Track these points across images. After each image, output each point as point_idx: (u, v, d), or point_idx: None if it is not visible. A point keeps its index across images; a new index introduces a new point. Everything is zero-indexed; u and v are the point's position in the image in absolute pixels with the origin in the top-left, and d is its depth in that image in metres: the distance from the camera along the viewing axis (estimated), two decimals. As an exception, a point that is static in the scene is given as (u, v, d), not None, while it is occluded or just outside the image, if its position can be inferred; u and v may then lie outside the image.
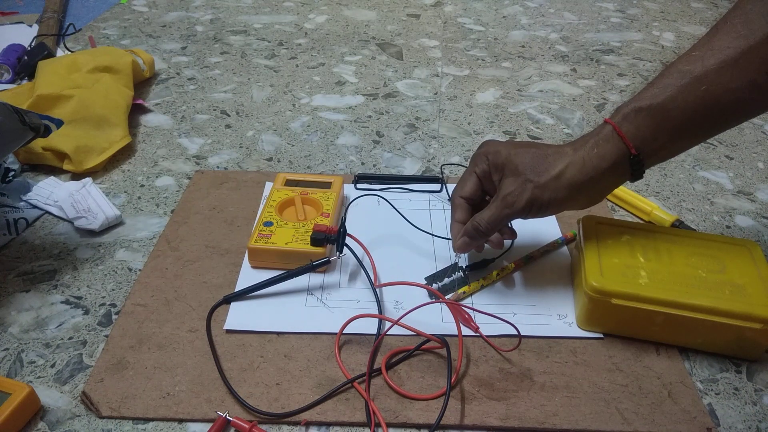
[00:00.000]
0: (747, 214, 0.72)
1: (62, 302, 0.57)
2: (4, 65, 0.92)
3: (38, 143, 0.71)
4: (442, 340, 0.50)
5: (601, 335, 0.54)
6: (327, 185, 0.67)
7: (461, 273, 0.58)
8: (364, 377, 0.49)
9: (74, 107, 0.77)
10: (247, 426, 0.45)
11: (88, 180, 0.70)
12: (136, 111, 0.87)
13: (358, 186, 0.73)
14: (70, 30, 1.12)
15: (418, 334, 0.52)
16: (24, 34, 1.07)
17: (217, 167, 0.77)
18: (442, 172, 0.75)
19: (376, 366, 0.50)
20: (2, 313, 0.55)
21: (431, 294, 0.57)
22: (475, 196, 0.56)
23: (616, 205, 0.72)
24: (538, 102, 0.95)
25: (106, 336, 0.53)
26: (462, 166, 0.78)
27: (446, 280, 0.58)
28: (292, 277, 0.57)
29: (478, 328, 0.54)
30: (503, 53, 1.11)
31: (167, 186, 0.73)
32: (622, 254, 0.54)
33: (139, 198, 0.71)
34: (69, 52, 1.01)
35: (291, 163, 0.78)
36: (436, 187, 0.73)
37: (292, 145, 0.82)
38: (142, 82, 0.95)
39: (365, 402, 0.47)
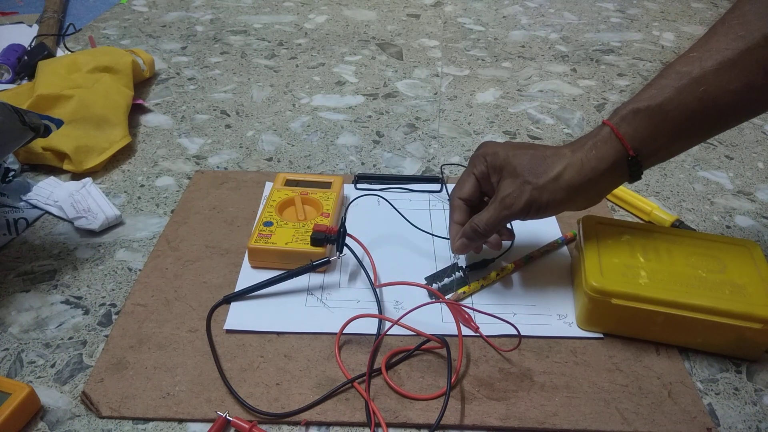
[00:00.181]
0: (747, 214, 0.72)
1: (62, 302, 0.57)
2: (4, 65, 0.92)
3: (38, 143, 0.71)
4: (442, 340, 0.50)
5: (601, 335, 0.54)
6: (327, 185, 0.67)
7: (461, 273, 0.58)
8: (364, 377, 0.49)
9: (74, 107, 0.77)
10: (247, 426, 0.45)
11: (88, 180, 0.70)
12: (136, 111, 0.87)
13: (358, 186, 0.73)
14: (70, 30, 1.12)
15: (418, 334, 0.52)
16: (24, 34, 1.07)
17: (217, 167, 0.77)
18: (442, 172, 0.75)
19: (376, 366, 0.50)
20: (2, 313, 0.55)
21: (431, 294, 0.57)
22: (474, 197, 0.56)
23: (616, 205, 0.72)
24: (538, 102, 0.95)
25: (106, 336, 0.53)
26: (462, 166, 0.78)
27: (446, 280, 0.58)
28: (292, 277, 0.57)
29: (478, 328, 0.54)
30: (503, 53, 1.11)
31: (167, 186, 0.73)
32: (622, 254, 0.54)
33: (139, 198, 0.71)
34: (69, 52, 1.01)
35: (291, 163, 0.78)
36: (436, 187, 0.73)
37: (292, 145, 0.82)
38: (142, 82, 0.95)
39: (365, 402, 0.47)
